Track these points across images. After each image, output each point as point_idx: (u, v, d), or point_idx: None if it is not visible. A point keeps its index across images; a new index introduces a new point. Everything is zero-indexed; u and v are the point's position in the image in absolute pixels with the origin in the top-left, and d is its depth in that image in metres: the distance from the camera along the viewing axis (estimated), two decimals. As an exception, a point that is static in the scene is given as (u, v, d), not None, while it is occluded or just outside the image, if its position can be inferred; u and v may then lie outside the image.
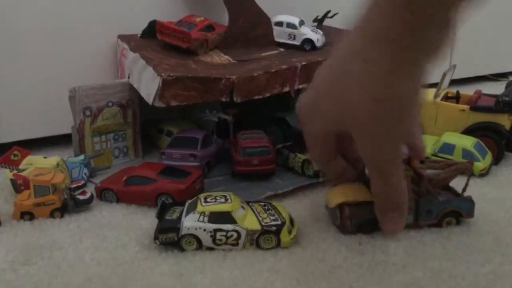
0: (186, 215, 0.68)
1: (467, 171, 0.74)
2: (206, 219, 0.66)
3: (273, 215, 0.69)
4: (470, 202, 0.73)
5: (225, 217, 0.66)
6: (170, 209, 0.71)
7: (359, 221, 0.70)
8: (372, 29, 0.44)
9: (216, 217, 0.66)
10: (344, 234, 0.70)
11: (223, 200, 0.69)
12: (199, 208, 0.67)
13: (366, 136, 0.49)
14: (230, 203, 0.68)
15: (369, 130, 0.48)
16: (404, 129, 0.49)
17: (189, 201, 0.72)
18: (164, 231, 0.66)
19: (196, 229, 0.66)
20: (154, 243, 0.67)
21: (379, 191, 0.56)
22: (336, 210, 0.71)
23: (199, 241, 0.66)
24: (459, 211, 0.72)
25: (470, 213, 0.73)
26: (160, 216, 0.70)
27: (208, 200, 0.69)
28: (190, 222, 0.66)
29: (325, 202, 0.75)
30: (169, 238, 0.66)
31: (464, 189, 0.74)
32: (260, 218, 0.68)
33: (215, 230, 0.66)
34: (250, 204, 0.73)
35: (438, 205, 0.71)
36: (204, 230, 0.66)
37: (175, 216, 0.69)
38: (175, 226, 0.66)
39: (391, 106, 0.45)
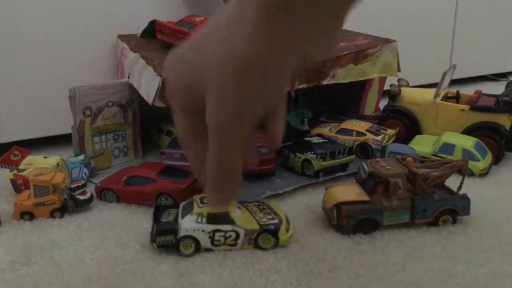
0: (183, 216, 0.67)
1: (463, 169, 0.74)
2: (204, 220, 0.66)
3: (270, 214, 0.69)
4: (465, 199, 0.74)
5: (223, 217, 0.66)
6: (164, 211, 0.71)
7: (356, 220, 0.70)
8: None
9: (214, 217, 0.66)
10: (342, 234, 0.71)
11: None
12: (196, 209, 0.67)
13: (215, 95, 0.43)
14: None
15: (218, 89, 0.42)
16: (256, 102, 0.42)
17: (183, 202, 0.72)
18: (162, 233, 0.66)
19: (194, 230, 0.66)
20: (152, 246, 0.67)
21: (210, 164, 0.48)
22: (333, 210, 0.71)
23: (197, 243, 0.66)
24: (455, 209, 0.73)
25: (466, 211, 0.74)
26: (156, 218, 0.69)
27: (205, 201, 0.69)
28: (188, 224, 0.66)
29: (322, 203, 0.75)
30: (167, 240, 0.66)
31: (459, 187, 0.74)
32: (258, 218, 0.68)
33: (214, 231, 0.66)
34: (245, 204, 0.72)
35: (433, 204, 0.72)
36: (203, 231, 0.66)
37: (171, 218, 0.69)
38: (172, 228, 0.66)
39: (248, 66, 0.39)
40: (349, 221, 0.70)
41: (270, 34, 0.37)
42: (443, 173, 0.74)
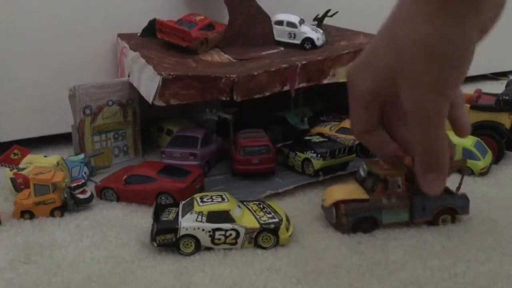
0: (183, 215, 0.68)
1: (462, 169, 0.74)
2: (204, 218, 0.66)
3: (270, 213, 0.69)
4: (465, 199, 0.74)
5: (224, 216, 0.66)
6: (165, 210, 0.71)
7: (355, 218, 0.70)
8: None
9: (215, 216, 0.66)
10: (342, 233, 0.70)
11: (219, 199, 0.69)
12: (196, 208, 0.67)
13: (413, 82, 0.49)
14: (228, 202, 0.68)
15: (417, 74, 0.47)
16: (451, 80, 0.48)
17: (183, 201, 0.72)
18: (162, 232, 0.66)
19: (194, 229, 0.66)
20: (152, 244, 0.67)
21: (422, 146, 0.54)
22: (332, 209, 0.71)
23: (197, 242, 0.66)
24: (454, 208, 0.73)
25: (465, 210, 0.74)
26: (156, 217, 0.69)
27: (205, 199, 0.69)
28: (188, 222, 0.66)
29: (322, 201, 0.75)
30: (167, 239, 0.66)
31: (458, 187, 0.74)
32: (258, 216, 0.68)
33: (214, 230, 0.66)
34: (245, 203, 0.73)
35: (432, 203, 0.72)
36: (203, 230, 0.66)
37: (171, 217, 0.69)
38: (173, 227, 0.66)
39: (439, 49, 0.45)
40: (348, 219, 0.70)
41: (445, 13, 0.43)
42: None
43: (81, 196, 0.78)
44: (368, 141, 0.63)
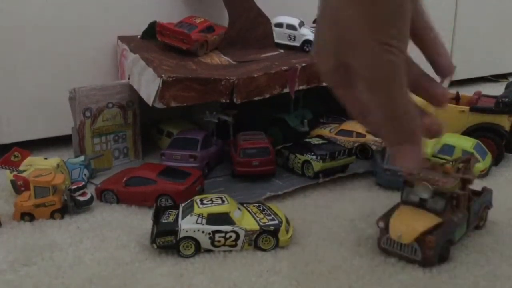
0: (183, 217, 0.68)
1: (470, 161, 0.71)
2: (204, 221, 0.66)
3: (270, 215, 0.69)
4: (490, 192, 0.74)
5: (224, 218, 0.66)
6: (165, 212, 0.71)
7: (439, 247, 0.63)
8: None
9: (215, 218, 0.66)
10: (431, 267, 0.63)
11: (219, 201, 0.69)
12: (196, 210, 0.67)
13: (354, 43, 0.42)
14: (228, 204, 0.68)
15: (354, 34, 0.41)
16: (394, 27, 0.41)
17: (183, 203, 0.72)
18: (162, 234, 0.66)
19: (194, 231, 0.66)
20: (151, 246, 0.67)
21: (383, 114, 0.46)
22: (414, 245, 0.63)
23: (197, 244, 0.66)
24: (488, 206, 0.73)
25: (491, 203, 0.74)
26: (156, 219, 0.69)
27: (205, 202, 0.69)
28: (188, 225, 0.66)
29: (382, 243, 0.66)
30: (167, 241, 0.66)
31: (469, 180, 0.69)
32: (258, 218, 0.68)
33: (214, 232, 0.66)
34: (245, 205, 0.73)
35: (478, 205, 0.70)
36: (203, 232, 0.66)
37: (171, 219, 0.69)
38: (172, 229, 0.66)
39: None
40: (435, 251, 0.62)
41: None
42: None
43: (81, 198, 0.78)
44: (346, 101, 0.54)
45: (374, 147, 0.97)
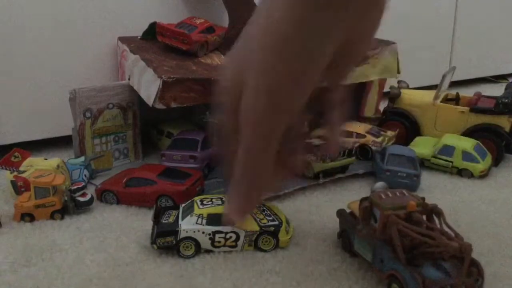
0: (183, 218, 0.68)
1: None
2: (204, 221, 0.66)
3: (270, 216, 0.69)
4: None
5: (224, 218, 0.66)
6: (165, 212, 0.71)
7: None
8: None
9: (215, 219, 0.66)
10: None
11: (219, 202, 0.69)
12: (196, 210, 0.67)
13: (252, 81, 0.40)
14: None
15: (255, 74, 0.38)
16: (295, 91, 0.38)
17: (183, 204, 0.72)
18: (162, 235, 0.66)
19: (194, 231, 0.66)
20: (152, 247, 0.67)
21: (238, 162, 0.42)
22: None
23: (197, 244, 0.66)
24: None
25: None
26: (156, 220, 0.69)
27: (205, 202, 0.69)
28: (188, 225, 0.66)
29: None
30: (167, 242, 0.66)
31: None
32: (258, 219, 0.68)
33: (214, 232, 0.66)
34: None
35: None
36: (203, 232, 0.66)
37: (171, 219, 0.69)
38: (173, 229, 0.66)
39: (284, 43, 0.36)
40: None
41: (305, 14, 0.34)
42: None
43: (81, 199, 0.78)
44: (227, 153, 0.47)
45: (374, 148, 0.97)
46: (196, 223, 0.66)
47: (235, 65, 0.40)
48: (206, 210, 0.67)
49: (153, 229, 0.68)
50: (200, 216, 0.67)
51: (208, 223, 0.66)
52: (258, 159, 0.41)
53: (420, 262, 0.56)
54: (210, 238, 0.66)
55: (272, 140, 0.40)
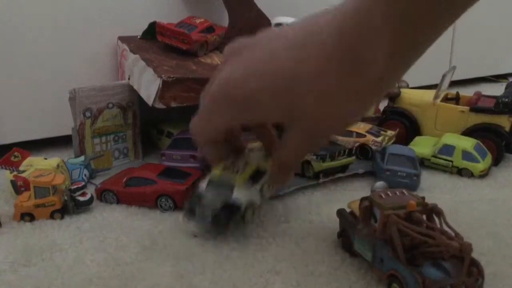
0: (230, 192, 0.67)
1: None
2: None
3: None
4: None
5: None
6: (197, 203, 0.68)
7: None
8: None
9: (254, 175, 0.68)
10: None
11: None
12: (238, 180, 0.67)
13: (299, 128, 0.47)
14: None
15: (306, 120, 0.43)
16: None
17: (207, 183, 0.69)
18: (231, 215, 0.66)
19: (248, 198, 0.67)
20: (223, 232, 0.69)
21: (280, 162, 0.56)
22: None
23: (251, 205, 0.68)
24: None
25: None
26: (192, 213, 0.68)
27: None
28: (240, 194, 0.66)
29: None
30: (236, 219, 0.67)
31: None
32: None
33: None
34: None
35: None
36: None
37: (214, 200, 0.67)
38: (237, 205, 0.66)
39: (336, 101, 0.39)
40: None
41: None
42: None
43: (81, 199, 0.78)
44: (210, 151, 0.61)
45: (374, 147, 0.97)
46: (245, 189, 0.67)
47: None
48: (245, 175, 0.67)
49: (219, 217, 0.67)
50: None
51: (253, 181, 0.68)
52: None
53: (420, 262, 0.56)
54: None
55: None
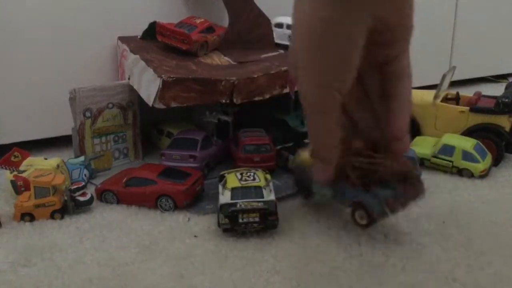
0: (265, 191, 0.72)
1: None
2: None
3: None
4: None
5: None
6: (238, 214, 0.70)
7: None
8: None
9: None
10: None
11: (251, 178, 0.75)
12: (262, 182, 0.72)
13: (301, 72, 0.49)
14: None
15: (301, 65, 0.47)
16: (334, 72, 0.47)
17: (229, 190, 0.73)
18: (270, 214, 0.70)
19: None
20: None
21: (310, 133, 0.56)
22: None
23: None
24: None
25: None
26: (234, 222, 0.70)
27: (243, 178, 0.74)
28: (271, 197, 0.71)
29: None
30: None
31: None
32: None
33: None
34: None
35: None
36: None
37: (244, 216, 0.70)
38: (273, 209, 0.70)
39: (325, 38, 0.43)
40: None
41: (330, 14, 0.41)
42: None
43: (81, 199, 0.78)
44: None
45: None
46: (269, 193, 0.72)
47: (292, 47, 0.51)
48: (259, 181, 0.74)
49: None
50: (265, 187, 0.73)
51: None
52: (317, 122, 0.52)
53: (373, 188, 0.61)
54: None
55: (325, 108, 0.49)
